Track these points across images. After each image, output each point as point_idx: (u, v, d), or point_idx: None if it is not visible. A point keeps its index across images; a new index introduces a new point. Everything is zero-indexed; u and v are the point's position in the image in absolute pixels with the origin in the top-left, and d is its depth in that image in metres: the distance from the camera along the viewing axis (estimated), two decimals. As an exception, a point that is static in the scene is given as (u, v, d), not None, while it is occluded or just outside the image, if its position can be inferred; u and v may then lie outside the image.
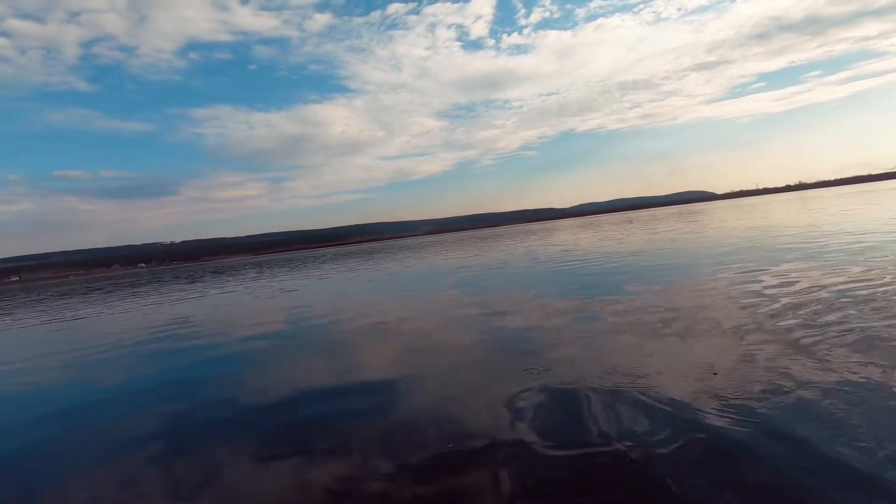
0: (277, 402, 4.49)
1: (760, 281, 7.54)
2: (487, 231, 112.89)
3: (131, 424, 4.37)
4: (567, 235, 33.81)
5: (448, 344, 5.98)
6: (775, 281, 7.40)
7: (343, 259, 39.09)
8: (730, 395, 3.44)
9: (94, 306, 19.44)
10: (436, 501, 2.59)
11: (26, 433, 4.55)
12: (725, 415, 3.16)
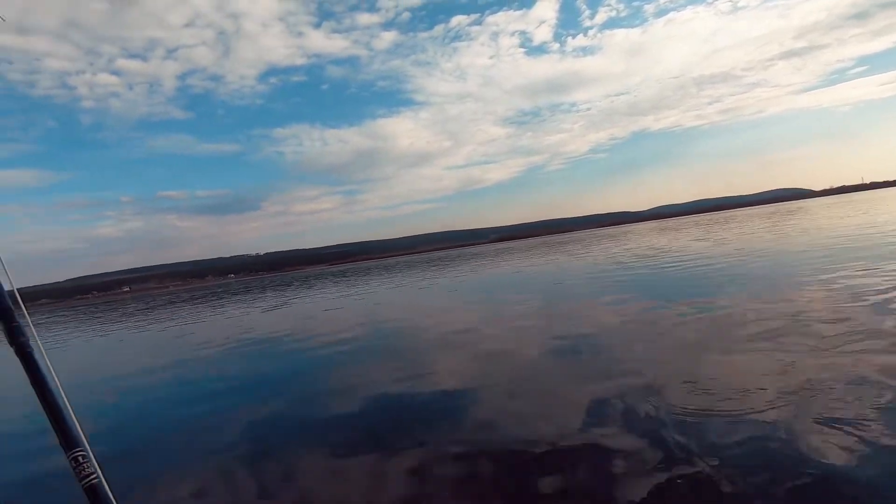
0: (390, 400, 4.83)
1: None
2: (558, 237, 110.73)
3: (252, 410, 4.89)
4: (653, 238, 32.41)
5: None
6: None
7: (418, 268, 40.01)
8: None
9: (226, 308, 21.42)
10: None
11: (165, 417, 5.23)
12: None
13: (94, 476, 0.89)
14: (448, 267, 33.15)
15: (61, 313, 52.71)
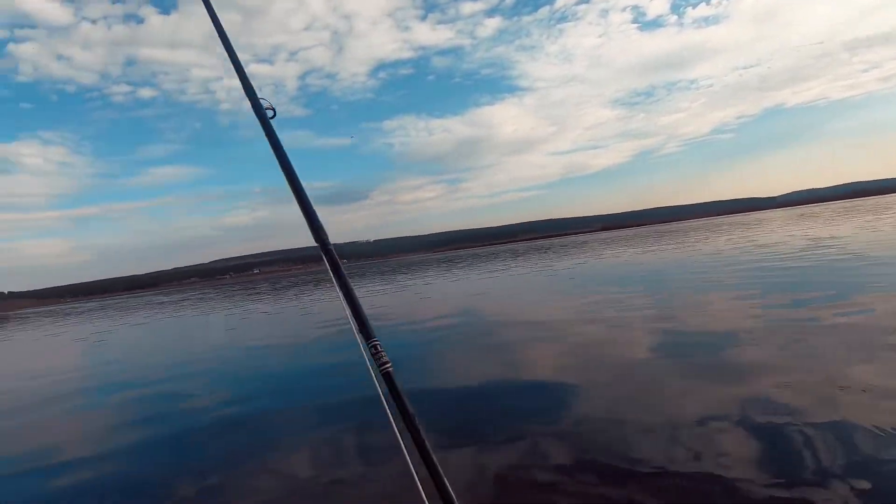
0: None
1: None
2: (672, 225, 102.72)
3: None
4: (791, 227, 29.01)
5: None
6: None
7: (524, 255, 39.89)
8: None
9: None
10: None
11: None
12: None
13: (389, 364, 1.11)
14: (554, 256, 32.65)
15: (209, 290, 60.85)
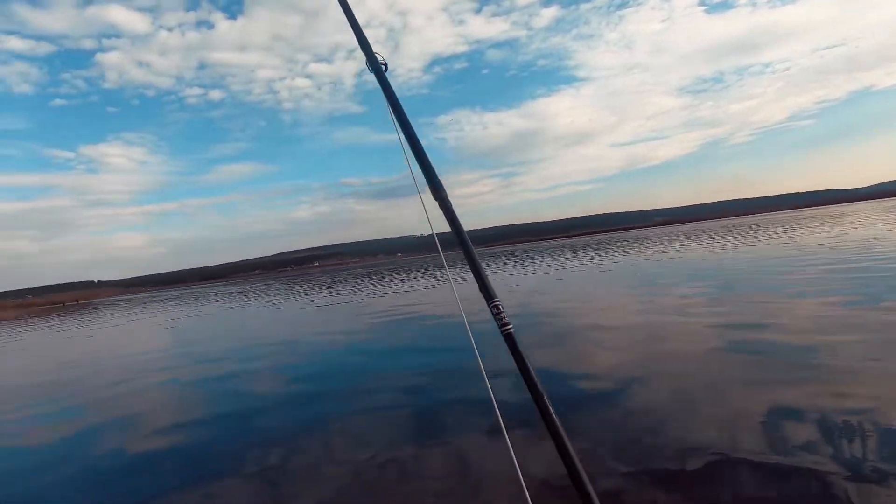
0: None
1: None
2: (743, 219, 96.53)
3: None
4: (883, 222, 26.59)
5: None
6: None
7: (580, 250, 39.00)
8: None
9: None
10: None
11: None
12: None
13: (510, 326, 1.09)
14: (612, 250, 31.66)
15: (274, 281, 63.95)
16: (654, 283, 11.69)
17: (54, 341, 16.07)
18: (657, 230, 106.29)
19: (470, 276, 1.18)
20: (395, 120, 1.41)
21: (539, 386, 1.03)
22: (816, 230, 24.49)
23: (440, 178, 1.31)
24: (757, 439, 2.96)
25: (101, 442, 4.66)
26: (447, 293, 15.56)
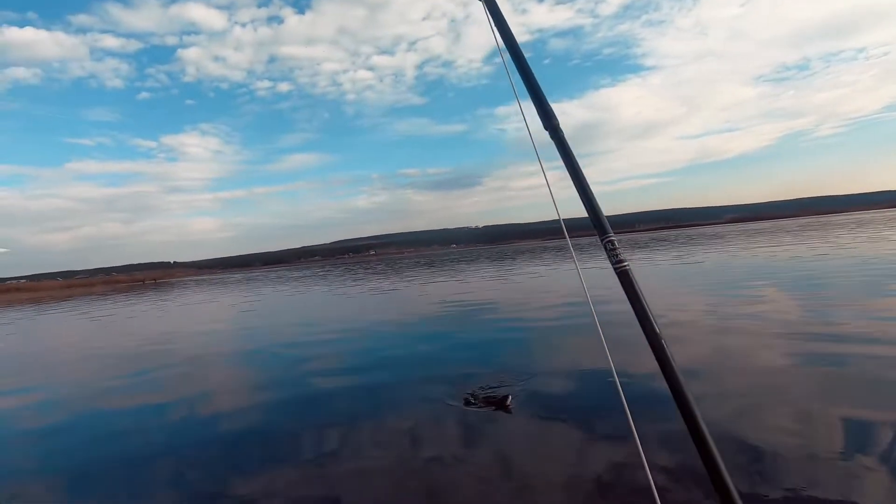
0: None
1: None
2: (825, 218, 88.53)
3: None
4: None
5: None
6: None
7: (643, 247, 37.26)
8: None
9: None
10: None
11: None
12: None
13: (626, 263, 1.01)
14: (676, 248, 29.88)
15: (333, 268, 66.05)
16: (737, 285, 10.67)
17: (146, 316, 17.30)
18: (728, 227, 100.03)
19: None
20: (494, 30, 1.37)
21: (660, 336, 0.93)
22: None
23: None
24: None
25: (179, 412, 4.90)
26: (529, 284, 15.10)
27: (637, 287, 0.98)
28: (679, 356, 5.05)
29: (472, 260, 44.52)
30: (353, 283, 24.97)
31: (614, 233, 1.05)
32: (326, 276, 37.54)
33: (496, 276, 20.16)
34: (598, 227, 1.08)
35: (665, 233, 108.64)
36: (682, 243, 36.70)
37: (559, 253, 41.18)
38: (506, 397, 4.05)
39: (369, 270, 42.18)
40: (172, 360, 7.85)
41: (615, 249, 1.03)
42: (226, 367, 7.17)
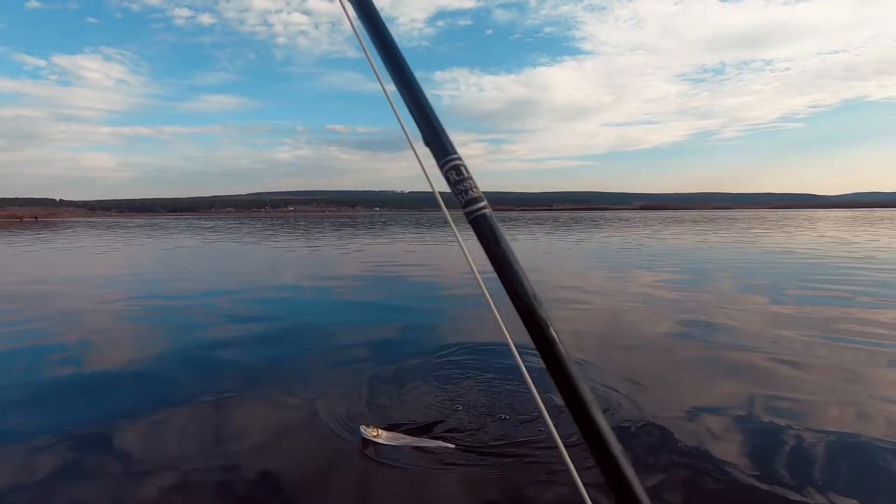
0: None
1: None
2: (718, 213, 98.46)
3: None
4: (846, 231, 27.32)
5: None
6: None
7: (566, 226, 39.04)
8: None
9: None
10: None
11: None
12: None
13: (482, 204, 0.71)
14: (594, 228, 31.82)
15: (245, 220, 62.44)
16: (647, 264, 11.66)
17: (16, 256, 15.34)
18: (637, 213, 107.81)
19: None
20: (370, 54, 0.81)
21: (535, 299, 0.64)
22: (777, 230, 25.05)
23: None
24: None
25: (59, 360, 4.64)
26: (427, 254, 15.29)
27: (501, 237, 0.68)
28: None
29: (395, 223, 44.27)
30: (262, 240, 23.91)
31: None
32: (238, 229, 35.54)
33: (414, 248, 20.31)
34: (433, 145, 0.74)
35: (581, 213, 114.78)
36: (593, 224, 39.03)
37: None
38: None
39: (285, 227, 40.49)
40: (56, 306, 7.19)
41: (463, 181, 0.70)
42: (113, 317, 6.67)
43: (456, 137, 0.81)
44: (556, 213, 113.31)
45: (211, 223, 56.23)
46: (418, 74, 0.87)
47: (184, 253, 17.43)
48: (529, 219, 62.42)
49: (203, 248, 19.35)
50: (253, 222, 58.49)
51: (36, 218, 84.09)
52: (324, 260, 14.97)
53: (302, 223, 53.33)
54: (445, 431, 2.95)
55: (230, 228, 39.54)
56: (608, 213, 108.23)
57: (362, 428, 2.81)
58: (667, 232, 27.27)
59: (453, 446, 2.78)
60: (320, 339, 5.43)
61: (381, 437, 2.79)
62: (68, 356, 4.89)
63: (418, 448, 2.77)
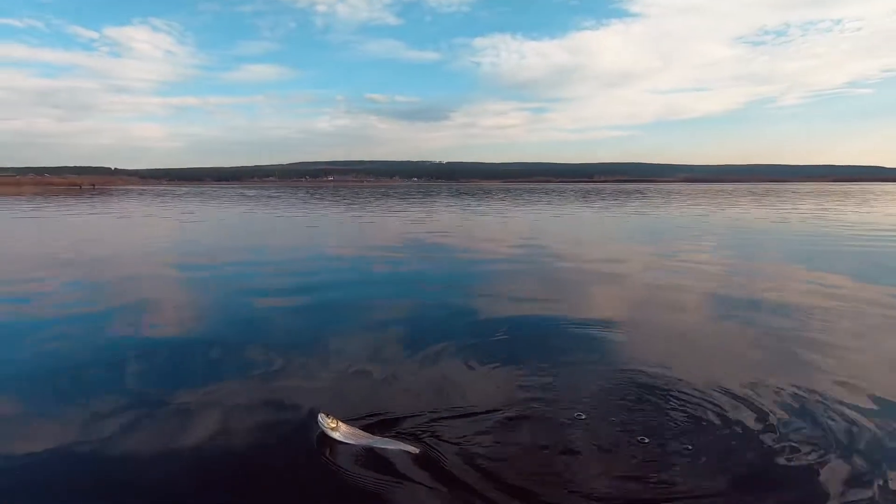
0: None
1: None
2: (772, 186, 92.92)
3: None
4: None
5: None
6: None
7: (612, 198, 37.83)
8: None
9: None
10: None
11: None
12: None
13: None
14: (644, 201, 30.55)
15: (289, 189, 63.61)
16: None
17: (89, 220, 16.16)
18: (679, 186, 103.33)
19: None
20: None
21: None
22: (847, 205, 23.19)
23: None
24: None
25: (116, 325, 4.67)
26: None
27: None
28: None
29: (437, 193, 43.96)
30: (308, 208, 24.12)
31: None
32: (287, 199, 36.11)
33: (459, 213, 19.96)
34: None
35: (625, 185, 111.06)
36: (639, 197, 37.56)
37: (522, 196, 41.28)
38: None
39: (327, 197, 40.87)
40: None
41: None
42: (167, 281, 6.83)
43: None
44: (599, 186, 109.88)
45: (254, 192, 57.61)
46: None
47: (248, 221, 17.84)
48: (571, 191, 60.84)
49: (256, 216, 19.74)
50: (294, 191, 59.53)
51: (94, 185, 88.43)
52: (381, 229, 14.95)
53: (342, 192, 53.80)
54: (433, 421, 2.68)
55: (279, 197, 40.26)
56: (653, 186, 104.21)
57: (321, 416, 2.53)
58: (731, 206, 25.85)
59: (417, 450, 2.43)
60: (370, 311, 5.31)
61: (340, 429, 2.51)
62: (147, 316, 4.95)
63: (376, 449, 2.45)
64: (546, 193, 47.81)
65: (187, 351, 3.97)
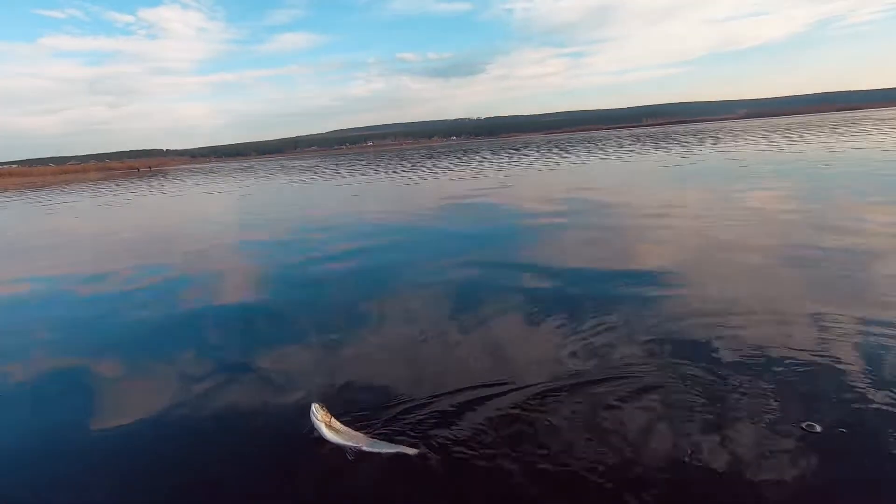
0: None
1: None
2: (848, 114, 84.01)
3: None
4: None
5: None
6: None
7: (660, 142, 35.64)
8: None
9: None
10: None
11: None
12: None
13: None
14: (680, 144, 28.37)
15: (337, 158, 63.88)
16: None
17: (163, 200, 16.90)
18: (744, 122, 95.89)
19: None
20: None
21: None
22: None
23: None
24: None
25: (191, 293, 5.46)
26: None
27: None
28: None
29: (476, 152, 42.84)
30: (385, 175, 23.93)
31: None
32: (337, 167, 36.19)
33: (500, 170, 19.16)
34: None
35: (677, 127, 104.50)
36: (692, 138, 34.93)
37: (566, 147, 39.55)
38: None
39: (369, 163, 40.66)
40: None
41: None
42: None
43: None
44: (648, 130, 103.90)
45: (300, 162, 58.39)
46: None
47: (306, 192, 18.09)
48: (622, 137, 57.79)
49: (308, 187, 19.83)
50: (341, 158, 59.86)
51: (150, 168, 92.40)
52: (426, 191, 14.62)
53: (386, 156, 53.57)
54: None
55: (336, 167, 40.50)
56: (710, 125, 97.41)
57: (314, 406, 2.37)
58: (816, 138, 23.62)
59: (415, 452, 2.23)
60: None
61: (332, 425, 2.37)
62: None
63: (369, 452, 2.25)
64: (588, 142, 45.55)
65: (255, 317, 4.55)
